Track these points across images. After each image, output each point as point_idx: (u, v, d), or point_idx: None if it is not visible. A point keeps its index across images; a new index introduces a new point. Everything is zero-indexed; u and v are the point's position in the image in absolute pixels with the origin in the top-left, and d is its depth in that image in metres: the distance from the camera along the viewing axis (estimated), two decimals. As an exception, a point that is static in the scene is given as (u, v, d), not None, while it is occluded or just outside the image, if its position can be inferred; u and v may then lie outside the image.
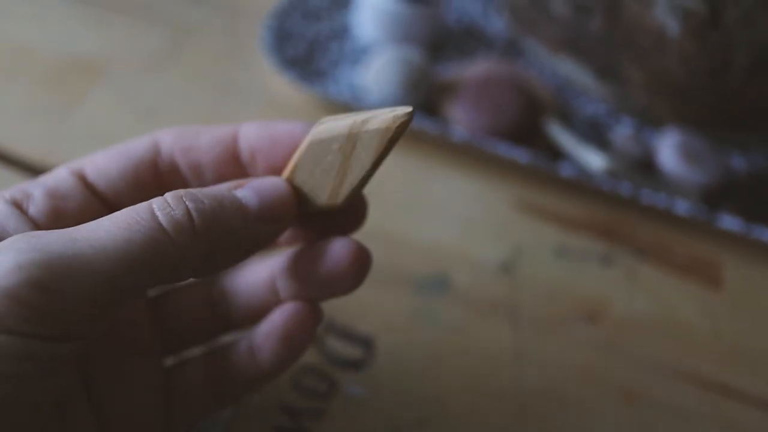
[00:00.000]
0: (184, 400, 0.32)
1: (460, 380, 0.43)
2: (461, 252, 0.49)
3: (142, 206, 0.25)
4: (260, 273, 0.33)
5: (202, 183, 0.31)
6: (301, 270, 0.31)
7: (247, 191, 0.28)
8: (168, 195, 0.26)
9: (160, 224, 0.25)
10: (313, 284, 0.31)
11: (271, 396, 0.40)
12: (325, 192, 0.29)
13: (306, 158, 0.29)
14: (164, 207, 0.25)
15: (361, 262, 0.31)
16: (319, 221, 0.32)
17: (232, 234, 0.27)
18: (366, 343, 0.43)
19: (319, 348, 0.42)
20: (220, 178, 0.31)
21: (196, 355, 0.33)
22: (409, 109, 0.27)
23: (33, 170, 0.47)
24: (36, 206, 0.28)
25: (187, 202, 0.26)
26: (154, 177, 0.31)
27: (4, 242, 0.24)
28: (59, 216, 0.28)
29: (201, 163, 0.31)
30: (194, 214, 0.25)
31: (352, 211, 0.32)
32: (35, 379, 0.23)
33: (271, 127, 0.31)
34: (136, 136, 0.32)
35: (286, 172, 0.30)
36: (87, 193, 0.30)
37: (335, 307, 0.44)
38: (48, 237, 0.24)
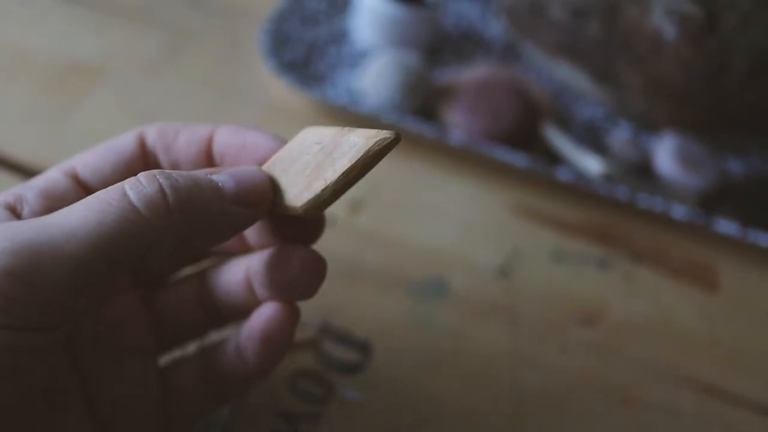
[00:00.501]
0: (180, 399, 0.32)
1: (458, 383, 0.43)
2: (459, 256, 0.49)
3: (113, 187, 0.25)
4: (238, 273, 0.33)
5: None
6: (266, 273, 0.31)
7: (224, 176, 0.28)
8: (141, 174, 0.26)
9: (131, 203, 0.24)
10: (276, 288, 0.31)
11: (269, 399, 0.40)
12: (296, 191, 0.28)
13: (287, 153, 0.29)
14: (136, 185, 0.25)
15: (315, 271, 0.30)
16: (288, 226, 0.32)
17: (208, 214, 0.26)
18: (363, 346, 0.43)
19: (316, 352, 0.42)
20: None
21: (190, 354, 0.34)
22: (395, 135, 0.26)
23: (32, 173, 0.47)
24: (30, 208, 0.28)
25: (160, 179, 0.25)
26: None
27: None
28: None
29: (179, 162, 0.31)
30: (168, 191, 0.25)
31: (311, 224, 0.32)
32: (13, 373, 0.23)
33: (241, 134, 0.31)
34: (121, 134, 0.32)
35: (265, 165, 0.30)
36: (80, 193, 0.30)
37: (332, 311, 0.44)
38: (19, 226, 0.23)
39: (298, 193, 0.28)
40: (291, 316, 0.32)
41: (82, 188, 0.30)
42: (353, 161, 0.26)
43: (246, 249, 0.34)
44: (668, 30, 0.53)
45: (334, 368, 0.42)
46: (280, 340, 0.31)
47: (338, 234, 0.32)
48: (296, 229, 0.32)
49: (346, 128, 0.28)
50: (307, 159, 0.28)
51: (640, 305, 0.49)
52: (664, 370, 0.46)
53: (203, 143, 0.31)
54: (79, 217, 0.24)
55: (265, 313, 0.31)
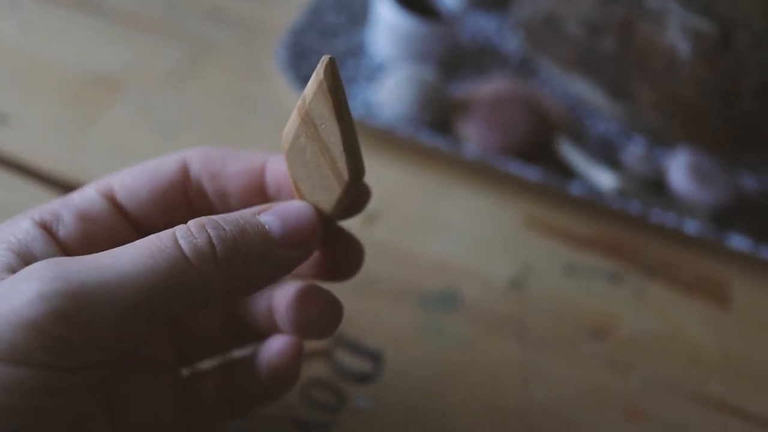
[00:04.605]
0: (200, 411, 0.33)
1: (468, 395, 0.43)
2: (471, 268, 0.50)
3: (165, 234, 0.25)
4: (262, 302, 0.33)
5: (228, 210, 0.31)
6: (286, 311, 0.31)
7: (271, 216, 0.27)
8: (191, 223, 0.26)
9: (182, 252, 0.25)
10: (294, 326, 0.31)
11: (281, 408, 0.40)
12: (331, 181, 0.28)
13: (295, 169, 0.29)
14: (187, 235, 0.25)
15: (333, 315, 0.30)
16: (328, 257, 0.32)
17: (254, 261, 0.26)
18: (375, 356, 0.44)
19: (328, 361, 0.43)
20: (245, 207, 0.30)
21: (210, 367, 0.34)
22: (328, 56, 0.26)
23: (53, 183, 0.48)
24: (67, 229, 0.28)
25: (209, 230, 0.25)
26: (183, 200, 0.31)
27: (27, 270, 0.24)
28: (89, 240, 0.28)
29: (228, 191, 0.31)
30: (216, 241, 0.25)
31: (349, 248, 0.32)
32: (54, 412, 0.23)
33: None
34: (159, 152, 0.31)
35: (295, 195, 0.30)
36: (117, 216, 0.30)
37: (345, 321, 0.44)
38: (71, 265, 0.23)
39: (335, 177, 0.28)
40: (296, 352, 0.32)
41: (119, 212, 0.30)
42: (331, 107, 0.26)
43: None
44: (683, 47, 0.53)
45: (346, 377, 0.43)
46: (287, 372, 0.32)
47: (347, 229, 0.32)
48: (335, 261, 0.32)
49: (299, 102, 0.27)
50: (309, 151, 0.28)
51: (651, 320, 0.49)
52: (673, 385, 0.46)
53: (254, 175, 0.31)
54: (132, 261, 0.24)
55: (274, 347, 0.32)
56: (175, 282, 0.24)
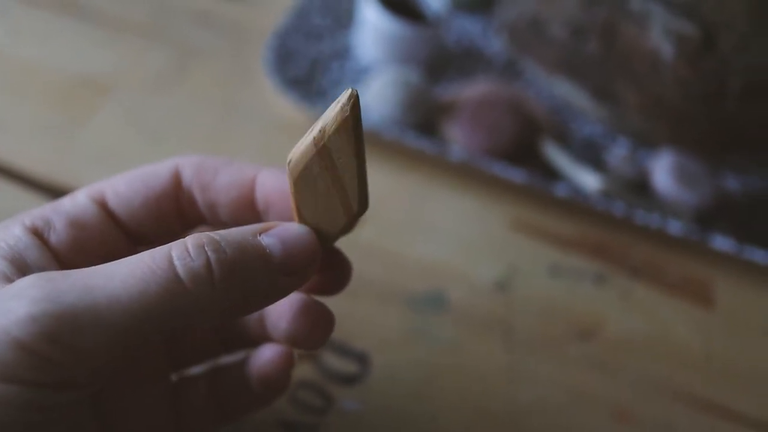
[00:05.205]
0: (191, 416, 0.33)
1: (454, 397, 0.43)
2: (457, 270, 0.50)
3: (160, 253, 0.24)
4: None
5: (218, 222, 0.31)
6: (278, 321, 0.31)
7: (273, 239, 0.27)
8: (189, 242, 0.25)
9: (177, 275, 0.24)
10: (285, 337, 0.31)
11: (269, 410, 0.40)
12: (338, 211, 0.28)
13: (301, 195, 0.28)
14: (184, 256, 0.24)
15: (324, 327, 0.30)
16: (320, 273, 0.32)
17: (253, 285, 0.26)
18: (361, 358, 0.44)
19: (315, 364, 0.43)
20: (235, 221, 0.30)
21: (201, 372, 0.34)
22: (351, 89, 0.25)
23: (41, 187, 0.48)
24: (58, 236, 0.28)
25: (208, 252, 0.25)
26: (175, 208, 0.30)
27: (17, 286, 0.24)
28: (81, 246, 0.28)
29: (217, 203, 0.30)
30: (214, 265, 0.24)
31: (340, 268, 0.32)
32: (43, 426, 0.23)
33: (285, 178, 0.30)
34: (147, 156, 0.31)
35: (295, 218, 0.29)
36: (108, 223, 0.30)
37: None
38: (62, 284, 0.23)
39: (344, 209, 0.27)
40: (287, 361, 0.32)
41: (111, 219, 0.30)
42: (352, 144, 0.26)
43: None
44: (666, 49, 0.54)
45: (333, 380, 0.43)
46: (277, 380, 0.32)
47: (339, 247, 0.32)
48: (325, 278, 0.32)
49: (316, 129, 0.26)
50: (321, 183, 0.27)
51: (636, 321, 0.49)
52: (659, 385, 0.46)
53: (244, 188, 0.30)
54: (123, 283, 0.23)
55: (265, 355, 0.32)
56: (168, 306, 0.24)
